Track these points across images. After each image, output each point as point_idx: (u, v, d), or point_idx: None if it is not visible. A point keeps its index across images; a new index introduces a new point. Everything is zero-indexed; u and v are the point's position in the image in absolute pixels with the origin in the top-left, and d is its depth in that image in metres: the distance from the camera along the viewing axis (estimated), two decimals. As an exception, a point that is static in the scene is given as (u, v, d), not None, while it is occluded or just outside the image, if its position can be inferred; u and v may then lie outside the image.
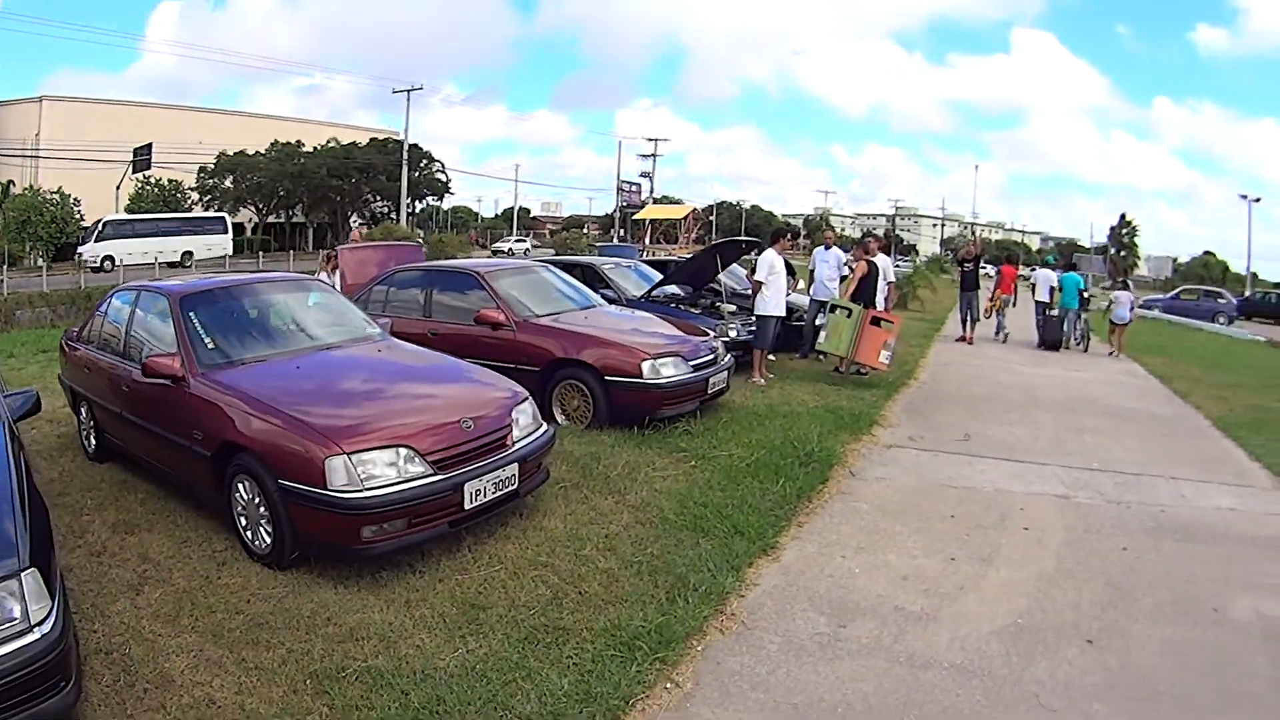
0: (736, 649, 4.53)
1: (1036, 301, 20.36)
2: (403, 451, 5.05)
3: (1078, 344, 19.52)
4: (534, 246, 69.83)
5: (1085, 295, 19.81)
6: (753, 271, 12.33)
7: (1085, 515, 7.00)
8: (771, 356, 12.89)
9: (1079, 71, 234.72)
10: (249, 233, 66.47)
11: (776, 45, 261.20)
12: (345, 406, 5.48)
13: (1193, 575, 5.85)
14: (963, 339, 19.33)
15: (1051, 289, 19.75)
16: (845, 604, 5.13)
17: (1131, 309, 19.72)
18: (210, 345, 6.17)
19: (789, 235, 13.18)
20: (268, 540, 5.20)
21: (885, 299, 13.87)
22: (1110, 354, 18.85)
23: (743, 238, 17.56)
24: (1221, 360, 20.16)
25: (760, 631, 4.73)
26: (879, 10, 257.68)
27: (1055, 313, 19.44)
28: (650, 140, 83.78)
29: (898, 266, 18.91)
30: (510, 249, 63.61)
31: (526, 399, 6.20)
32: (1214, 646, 4.83)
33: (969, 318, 19.36)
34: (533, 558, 5.37)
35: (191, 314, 6.33)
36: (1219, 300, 43.78)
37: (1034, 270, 23.42)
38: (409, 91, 58.09)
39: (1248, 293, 55.45)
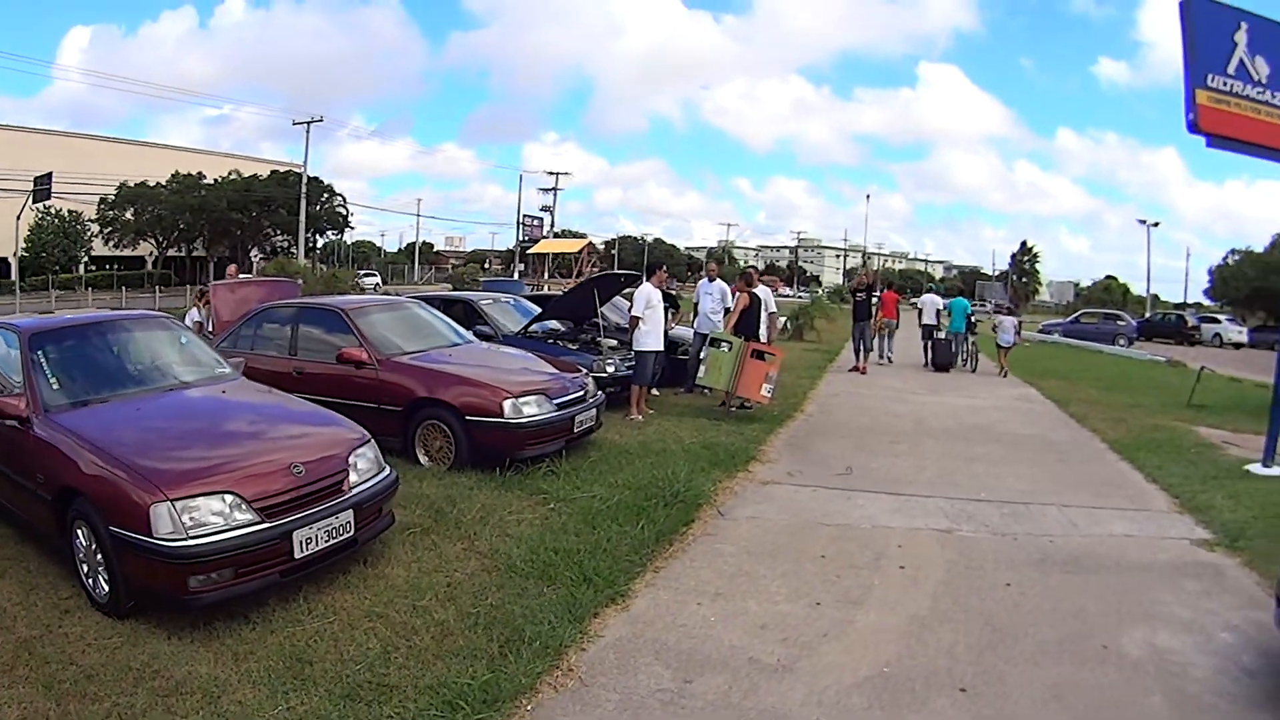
0: (569, 708, 4.27)
1: (922, 325, 22.60)
2: (229, 498, 4.98)
3: (965, 364, 21.57)
4: (430, 280, 68.74)
5: (973, 319, 22.15)
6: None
7: (968, 550, 6.87)
8: (655, 392, 12.96)
9: (983, 104, 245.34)
10: (149, 266, 67.03)
11: (684, 79, 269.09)
12: (177, 451, 5.41)
13: (1081, 610, 5.72)
14: (856, 369, 19.67)
15: (938, 312, 22.17)
16: (695, 656, 4.87)
17: (1016, 332, 21.74)
18: (55, 385, 6.12)
19: (664, 268, 13.15)
20: (106, 588, 5.10)
21: (768, 331, 13.91)
22: (1000, 373, 20.37)
23: (621, 271, 17.65)
24: (1120, 382, 20.68)
25: (598, 689, 4.47)
26: (787, 45, 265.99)
27: (943, 336, 21.59)
28: (551, 174, 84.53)
29: (800, 297, 19.36)
30: (360, 284, 63.49)
31: (367, 442, 6.13)
32: (1103, 688, 4.66)
33: (862, 348, 20.00)
34: (369, 608, 5.22)
35: (40, 352, 6.28)
36: (1119, 323, 45.26)
37: (919, 296, 25.32)
38: (309, 124, 58.52)
39: (1148, 314, 57.75)
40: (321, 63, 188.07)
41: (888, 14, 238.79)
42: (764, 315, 13.66)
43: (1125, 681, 4.74)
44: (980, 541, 7.12)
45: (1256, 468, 9.94)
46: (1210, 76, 9.60)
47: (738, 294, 13.51)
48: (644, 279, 12.40)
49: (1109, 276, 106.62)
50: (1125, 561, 6.77)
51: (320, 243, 76.76)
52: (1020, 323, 23.11)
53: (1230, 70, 9.71)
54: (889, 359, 22.06)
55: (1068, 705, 4.46)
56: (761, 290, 13.91)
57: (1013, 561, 6.64)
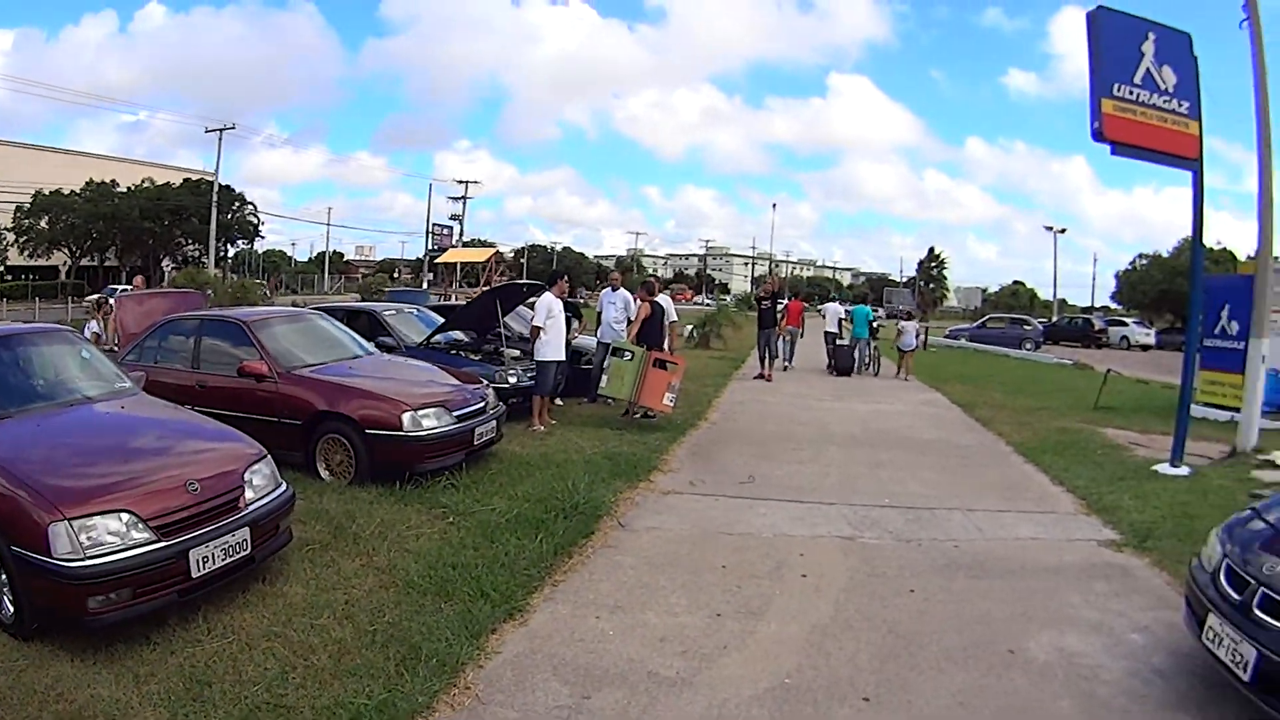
0: None
1: (825, 332, 23.54)
2: (125, 517, 4.92)
3: (868, 368, 22.90)
4: (340, 290, 69.72)
5: (874, 325, 23.67)
6: None
7: (871, 557, 6.83)
8: (559, 401, 13.08)
9: (893, 114, 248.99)
10: (63, 276, 66.29)
11: (597, 88, 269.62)
12: (75, 468, 5.33)
13: (987, 615, 5.68)
14: (761, 376, 19.77)
15: (840, 320, 23.37)
16: (593, 671, 4.76)
17: (917, 337, 23.77)
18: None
19: (564, 278, 13.05)
20: (10, 609, 5.01)
21: (669, 340, 13.96)
22: (900, 376, 21.76)
23: (523, 281, 17.57)
24: (1026, 385, 21.09)
25: (495, 706, 4.38)
26: (700, 55, 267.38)
27: (845, 342, 22.71)
28: (461, 183, 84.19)
29: (708, 305, 19.49)
30: (269, 296, 63.02)
31: (263, 458, 6.07)
32: (1010, 693, 4.60)
33: (767, 355, 20.15)
34: (267, 627, 5.12)
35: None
36: (1025, 327, 46.32)
37: (823, 304, 26.76)
38: (221, 131, 57.84)
39: (1055, 319, 59.27)
40: (239, 69, 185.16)
41: (801, 25, 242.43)
42: (666, 324, 13.66)
43: (1033, 686, 4.69)
44: (884, 548, 7.09)
45: (1164, 468, 10.11)
46: (1116, 86, 9.86)
47: (640, 303, 13.46)
48: (547, 289, 12.32)
49: (1016, 282, 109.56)
50: (1031, 565, 6.78)
51: (232, 252, 76.79)
52: (923, 328, 25.65)
53: (1137, 80, 9.99)
54: (789, 365, 22.92)
55: (974, 712, 4.39)
56: (663, 299, 14.02)
57: (917, 568, 6.60)
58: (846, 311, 24.03)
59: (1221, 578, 4.55)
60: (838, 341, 22.89)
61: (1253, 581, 4.27)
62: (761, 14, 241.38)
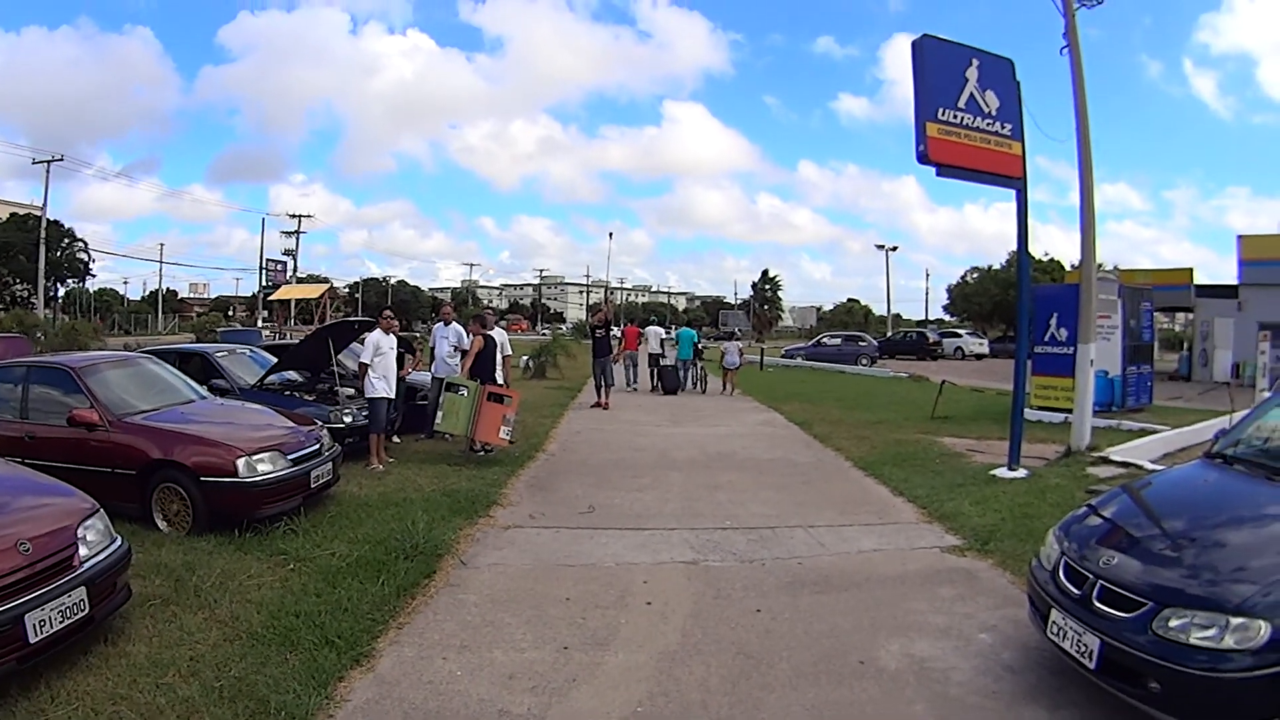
0: None
1: (650, 354, 25.68)
2: None
3: (694, 387, 25.18)
4: (175, 329, 69.12)
5: (699, 346, 26.22)
6: None
7: (715, 580, 6.90)
8: (396, 439, 13.07)
9: (728, 140, 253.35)
10: None
11: (434, 119, 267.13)
12: None
13: (835, 628, 5.80)
14: (598, 405, 19.93)
15: (663, 341, 26.00)
16: (444, 714, 4.71)
17: (740, 355, 25.89)
18: None
19: (386, 313, 12.90)
20: None
21: (504, 373, 13.92)
22: (725, 393, 24.41)
23: (355, 319, 17.28)
24: (864, 400, 21.78)
25: None
26: (537, 85, 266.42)
27: (669, 362, 24.83)
28: (294, 216, 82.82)
29: (543, 334, 19.69)
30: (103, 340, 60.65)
31: (96, 512, 5.86)
32: (864, 703, 4.71)
33: (603, 383, 20.27)
34: (112, 690, 4.93)
35: None
36: (860, 343, 47.85)
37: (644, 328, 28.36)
38: (49, 162, 55.90)
39: (889, 333, 61.33)
40: (71, 95, 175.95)
41: (638, 54, 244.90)
42: (499, 357, 13.64)
43: (886, 694, 4.80)
44: (728, 570, 7.17)
45: (1002, 471, 10.56)
46: (940, 110, 10.35)
47: (473, 336, 13.42)
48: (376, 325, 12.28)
49: (851, 299, 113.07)
50: (876, 575, 6.96)
51: (62, 292, 73.96)
52: (759, 348, 29.66)
53: (961, 104, 10.53)
54: (634, 387, 24.74)
55: (829, 726, 4.43)
56: (497, 332, 13.99)
57: (762, 587, 6.70)
58: (669, 334, 26.59)
59: (1061, 574, 4.77)
60: (662, 362, 24.92)
61: (1090, 576, 4.50)
62: (599, 44, 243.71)
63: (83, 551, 5.46)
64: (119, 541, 5.89)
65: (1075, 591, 4.55)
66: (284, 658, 5.32)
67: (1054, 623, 4.59)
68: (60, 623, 5.05)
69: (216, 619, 5.95)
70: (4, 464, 6.68)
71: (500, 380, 13.41)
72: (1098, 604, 4.35)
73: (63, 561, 5.27)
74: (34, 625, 4.87)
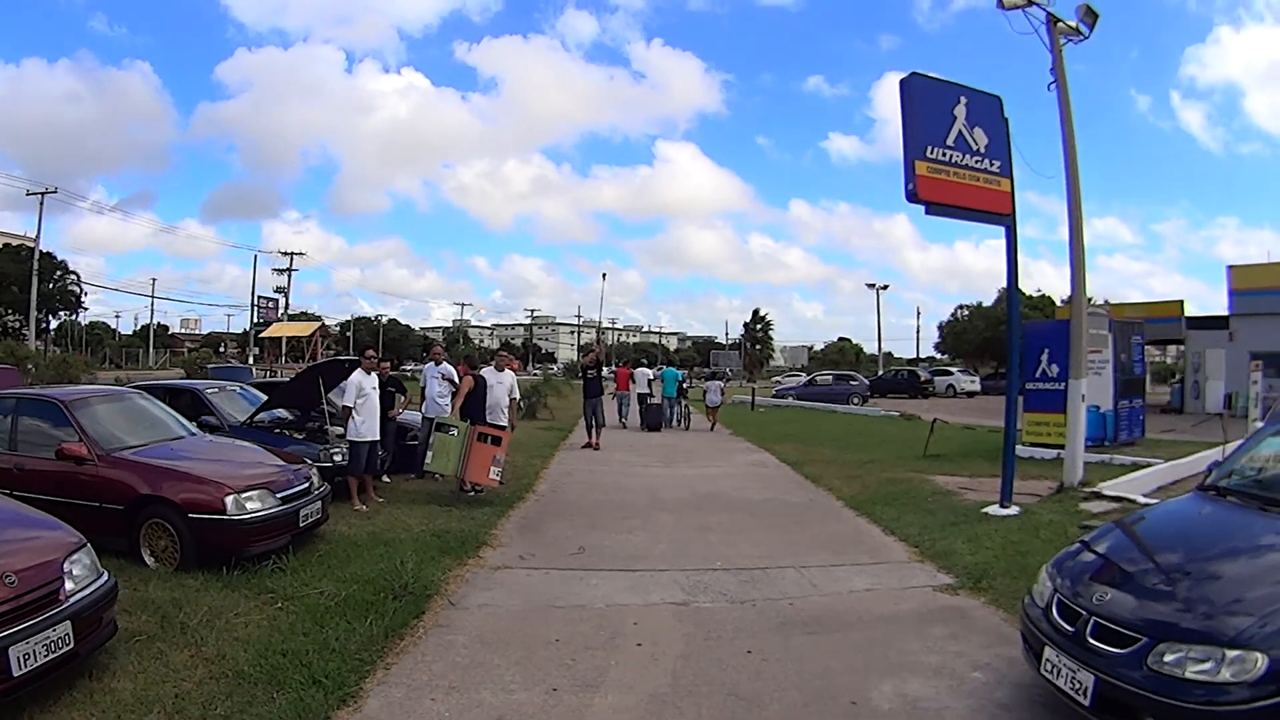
0: None
1: (637, 394, 27.09)
2: None
3: (678, 424, 27.29)
4: (165, 365, 69.68)
5: (683, 385, 28.35)
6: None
7: (706, 621, 6.86)
8: (386, 479, 13.11)
9: (720, 180, 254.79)
10: None
11: (428, 158, 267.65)
12: None
13: (827, 668, 5.75)
14: (589, 445, 19.91)
15: (650, 381, 26.95)
16: None
17: (721, 394, 28.62)
18: None
19: (368, 353, 12.91)
20: None
21: (508, 414, 13.90)
22: (710, 429, 26.52)
23: (345, 357, 17.31)
24: (855, 439, 21.82)
25: None
26: (532, 125, 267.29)
27: (655, 401, 26.66)
28: (285, 254, 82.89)
29: (534, 375, 19.88)
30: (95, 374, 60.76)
31: (83, 546, 5.83)
32: (855, 745, 4.62)
33: (594, 424, 20.28)
34: None
35: None
36: (851, 382, 48.03)
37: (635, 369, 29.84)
38: (42, 194, 56.43)
39: (881, 372, 61.50)
40: (68, 128, 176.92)
41: (632, 95, 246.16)
42: (492, 397, 13.63)
43: (877, 736, 4.71)
44: (718, 611, 7.12)
45: (994, 509, 10.53)
46: (929, 148, 10.45)
47: (463, 376, 13.44)
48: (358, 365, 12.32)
49: (842, 338, 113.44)
50: (868, 616, 6.92)
51: (54, 324, 74.39)
52: (724, 386, 30.42)
53: (950, 141, 10.63)
54: (624, 424, 26.61)
55: (820, 769, 4.38)
56: (508, 375, 14.05)
57: (753, 628, 6.65)
58: (656, 374, 27.70)
59: (1054, 611, 4.74)
60: (649, 401, 26.61)
61: (1084, 613, 4.47)
62: (593, 85, 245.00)
63: (69, 586, 5.43)
64: (105, 576, 5.86)
65: (1068, 628, 4.51)
66: (271, 697, 5.28)
67: (1048, 660, 4.55)
68: (44, 657, 5.01)
69: (203, 656, 5.91)
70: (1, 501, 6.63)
71: (504, 422, 13.41)
72: (1091, 640, 4.31)
73: (48, 595, 5.24)
74: (18, 658, 4.84)
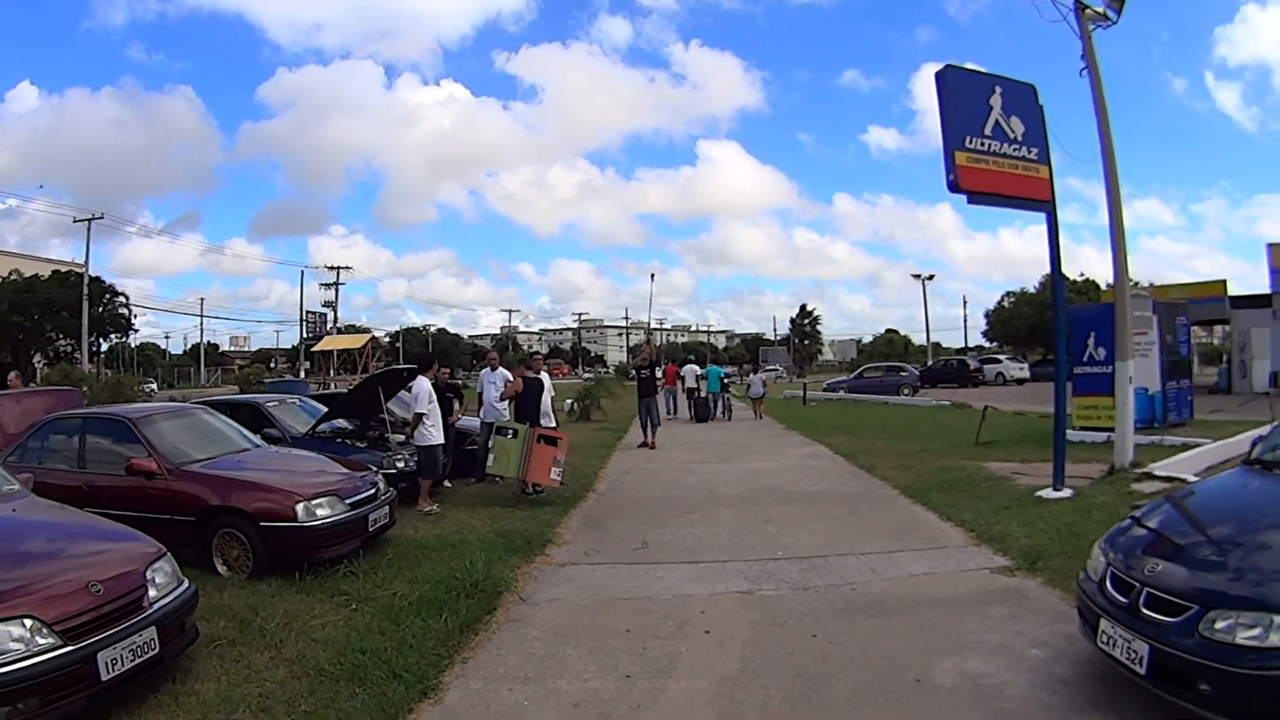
0: None
1: (686, 389, 30.04)
2: (29, 623, 4.80)
3: (722, 415, 29.30)
4: (217, 382, 70.88)
5: (726, 380, 31.03)
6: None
7: (770, 608, 6.97)
8: (448, 484, 13.21)
9: (764, 176, 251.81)
10: None
11: (472, 168, 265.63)
12: None
13: (890, 649, 5.85)
14: (644, 444, 19.99)
15: (698, 377, 29.60)
16: None
17: (764, 386, 32.49)
18: None
19: (436, 364, 13.14)
20: None
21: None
22: (756, 418, 29.02)
23: (403, 366, 17.54)
24: (907, 430, 21.75)
25: None
26: (574, 131, 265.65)
27: (703, 395, 29.07)
28: (332, 269, 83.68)
29: (585, 378, 20.02)
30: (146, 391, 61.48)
31: (163, 555, 6.00)
32: (921, 718, 4.78)
33: (649, 423, 20.39)
34: None
35: None
36: (901, 374, 47.81)
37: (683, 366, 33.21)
38: (90, 220, 58.49)
39: (930, 362, 61.06)
40: (113, 154, 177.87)
41: (673, 97, 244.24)
42: (547, 400, 13.81)
43: (943, 710, 4.87)
44: (782, 598, 7.23)
45: (1047, 492, 10.57)
46: (968, 138, 10.52)
47: (515, 378, 13.62)
48: (420, 373, 12.47)
49: (890, 330, 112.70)
50: (928, 598, 7.01)
51: (104, 346, 74.28)
52: (766, 379, 35.13)
53: (987, 131, 10.69)
54: (672, 416, 28.52)
55: (887, 743, 4.50)
56: (545, 378, 14.25)
57: (816, 613, 6.76)
58: (702, 371, 30.12)
59: (1108, 585, 4.83)
60: (697, 395, 29.17)
61: (1137, 584, 4.56)
62: (634, 88, 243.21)
63: (152, 593, 5.59)
64: (186, 584, 6.04)
65: (1122, 600, 4.61)
66: (353, 692, 5.41)
67: (1103, 632, 4.65)
68: (131, 661, 5.16)
69: (283, 657, 6.06)
70: (73, 511, 6.83)
71: (553, 423, 13.55)
72: (1145, 610, 4.41)
73: (133, 603, 5.40)
74: (105, 663, 4.98)
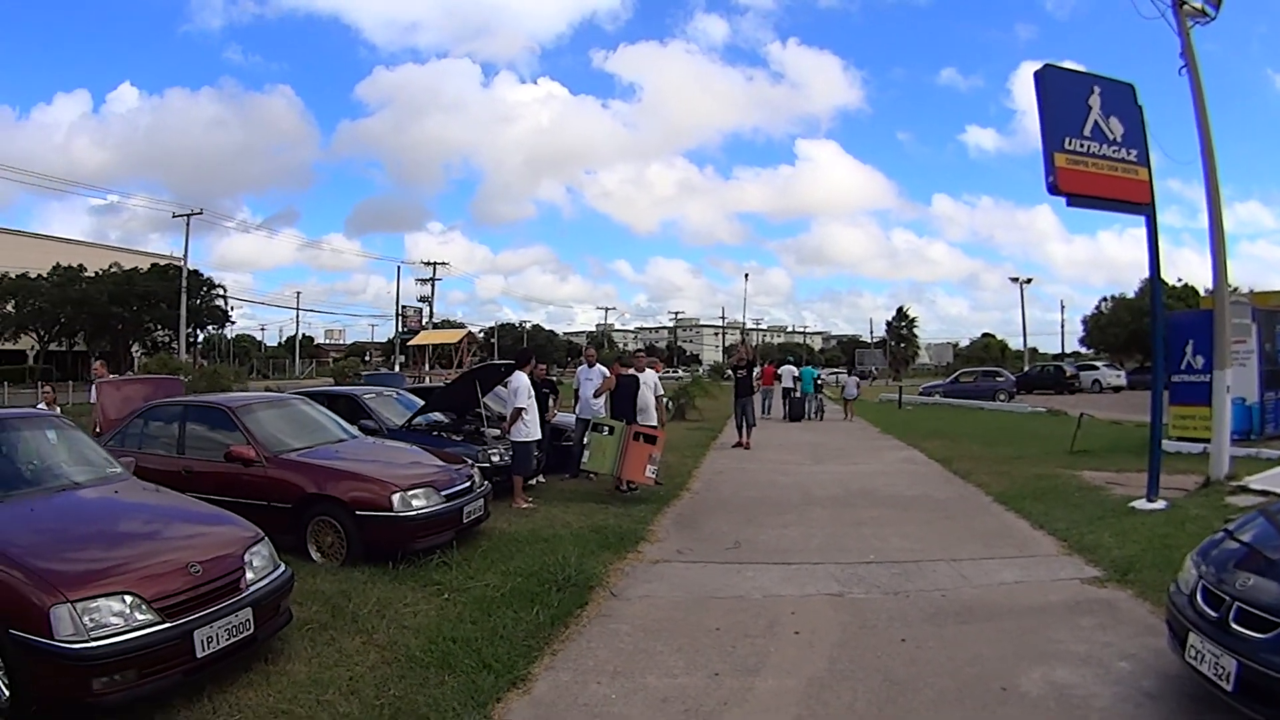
0: None
1: (783, 389, 31.27)
2: (129, 599, 4.96)
3: (814, 416, 30.69)
4: (311, 374, 72.68)
5: (819, 382, 32.81)
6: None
7: (860, 611, 6.98)
8: (542, 478, 13.37)
9: (863, 177, 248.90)
10: (30, 360, 66.04)
11: (570, 166, 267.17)
12: (74, 551, 5.40)
13: (978, 656, 5.85)
14: (739, 445, 19.87)
15: (795, 378, 30.83)
16: None
17: (857, 388, 33.19)
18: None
19: (534, 359, 13.28)
20: (6, 694, 4.95)
21: (657, 413, 14.15)
22: (846, 419, 30.24)
23: (501, 361, 17.78)
24: (1002, 436, 21.48)
25: None
26: (672, 129, 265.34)
27: (798, 395, 30.38)
28: (428, 264, 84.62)
29: (680, 376, 20.03)
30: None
31: (261, 540, 6.15)
32: (1005, 727, 4.75)
33: (744, 423, 20.20)
34: (273, 705, 5.15)
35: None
36: (998, 379, 47.03)
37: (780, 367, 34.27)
38: (189, 216, 59.81)
39: (1026, 368, 59.98)
40: (213, 152, 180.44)
41: (772, 96, 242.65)
42: (651, 397, 13.92)
43: (1026, 718, 4.85)
44: (872, 602, 7.24)
45: (1141, 503, 10.40)
46: (1067, 140, 10.41)
47: (611, 375, 13.72)
48: (517, 368, 12.53)
49: (986, 334, 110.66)
50: (1018, 606, 6.97)
51: (201, 337, 76.14)
52: (860, 381, 35.67)
53: (1086, 132, 10.56)
54: (767, 416, 29.23)
55: (972, 749, 4.52)
56: (650, 375, 14.30)
57: (906, 618, 6.76)
58: (798, 372, 31.32)
59: (1198, 598, 4.76)
60: (792, 394, 30.40)
61: (1228, 598, 4.49)
62: (733, 87, 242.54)
63: (249, 575, 5.76)
64: (282, 568, 6.21)
65: (1212, 614, 4.54)
66: (442, 679, 5.50)
67: (1192, 646, 4.59)
68: (226, 640, 5.32)
69: (374, 643, 6.18)
70: (175, 495, 7.03)
71: (654, 421, 13.59)
72: (1235, 626, 4.33)
73: (230, 584, 5.56)
74: (201, 641, 5.14)
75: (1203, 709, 4.68)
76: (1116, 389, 48.44)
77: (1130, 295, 67.93)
